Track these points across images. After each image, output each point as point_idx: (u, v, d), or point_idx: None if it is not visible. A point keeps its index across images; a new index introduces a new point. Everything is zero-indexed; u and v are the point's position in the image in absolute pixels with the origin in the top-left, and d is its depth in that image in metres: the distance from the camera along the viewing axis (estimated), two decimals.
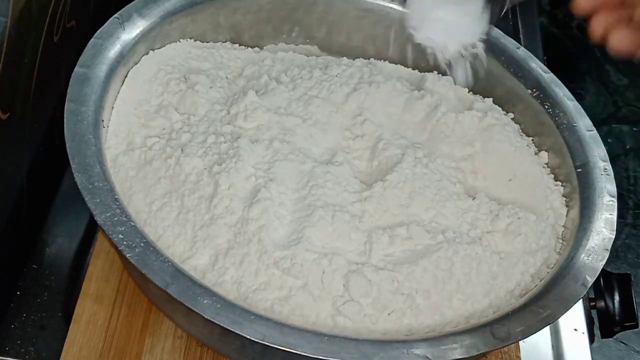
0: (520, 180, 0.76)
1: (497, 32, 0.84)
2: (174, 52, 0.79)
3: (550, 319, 0.62)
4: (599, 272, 0.66)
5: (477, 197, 0.74)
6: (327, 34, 0.88)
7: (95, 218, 0.60)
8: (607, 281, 0.86)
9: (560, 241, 0.72)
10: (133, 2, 0.76)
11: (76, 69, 0.69)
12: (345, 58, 0.85)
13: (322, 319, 0.63)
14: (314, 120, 0.76)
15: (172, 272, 0.59)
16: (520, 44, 0.84)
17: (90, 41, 0.71)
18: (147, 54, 0.77)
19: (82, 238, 0.78)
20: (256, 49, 0.86)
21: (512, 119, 0.82)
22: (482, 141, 0.78)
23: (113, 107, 0.73)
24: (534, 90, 0.80)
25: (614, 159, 0.76)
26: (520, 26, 1.12)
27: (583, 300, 0.81)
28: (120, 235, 0.60)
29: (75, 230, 0.78)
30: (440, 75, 0.84)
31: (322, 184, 0.71)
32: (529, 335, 0.61)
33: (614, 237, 0.69)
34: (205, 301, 0.58)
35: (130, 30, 0.74)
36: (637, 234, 1.05)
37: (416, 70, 0.87)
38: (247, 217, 0.66)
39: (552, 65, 0.87)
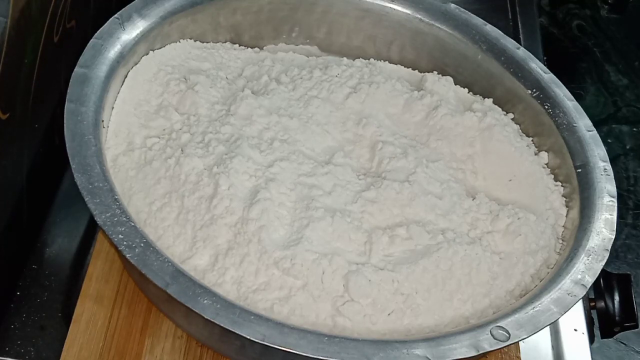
0: (520, 181, 0.76)
1: (497, 32, 0.84)
2: (174, 53, 0.79)
3: (550, 319, 0.62)
4: (598, 272, 0.66)
5: (477, 197, 0.74)
6: (327, 34, 0.88)
7: (95, 218, 0.60)
8: (607, 281, 0.86)
9: (560, 241, 0.72)
10: (133, 2, 0.76)
11: (76, 69, 0.69)
12: (345, 58, 0.85)
13: (322, 319, 0.63)
14: (314, 121, 0.76)
15: (172, 273, 0.59)
16: (520, 44, 0.84)
17: (90, 41, 0.71)
18: (147, 54, 0.77)
19: (82, 238, 0.78)
20: (256, 49, 0.86)
21: (512, 119, 0.82)
22: (482, 141, 0.78)
23: (113, 108, 0.73)
24: (534, 90, 0.80)
25: (613, 159, 0.76)
26: (520, 26, 1.12)
27: (583, 301, 0.81)
28: (120, 236, 0.60)
29: (75, 230, 0.78)
30: (440, 75, 0.84)
31: (322, 184, 0.71)
32: (529, 336, 0.61)
33: (613, 237, 0.69)
34: (205, 301, 0.58)
35: (130, 30, 0.74)
36: (637, 234, 1.05)
37: (416, 71, 0.87)
38: (247, 217, 0.66)
39: (552, 65, 0.87)
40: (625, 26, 1.29)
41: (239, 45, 0.85)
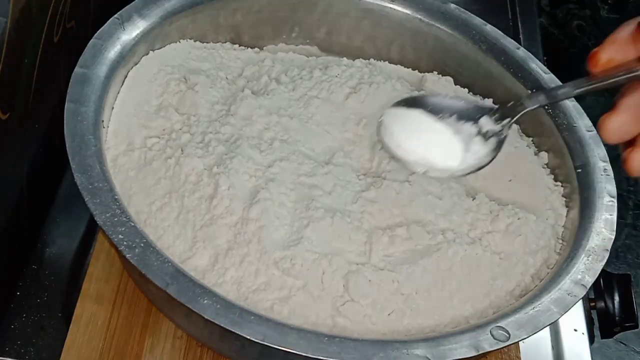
0: (520, 181, 0.76)
1: (497, 32, 0.84)
2: (174, 53, 0.79)
3: (550, 320, 0.62)
4: (598, 272, 0.66)
5: (477, 197, 0.74)
6: (327, 34, 0.88)
7: (95, 218, 0.60)
8: (607, 282, 0.86)
9: (560, 242, 0.72)
10: (133, 2, 0.76)
11: (76, 69, 0.69)
12: (345, 59, 0.85)
13: (322, 319, 0.63)
14: (314, 121, 0.76)
15: (172, 273, 0.59)
16: (520, 44, 0.84)
17: (90, 41, 0.71)
18: (147, 54, 0.77)
19: (82, 238, 0.78)
20: (256, 49, 0.86)
21: None
22: None
23: (113, 108, 0.73)
24: (534, 90, 0.80)
25: (614, 159, 0.76)
26: (520, 26, 1.12)
27: (583, 301, 0.81)
28: (120, 236, 0.60)
29: (75, 230, 0.78)
30: (440, 75, 0.84)
31: (322, 185, 0.71)
32: (529, 336, 0.61)
33: (613, 237, 0.69)
34: (205, 301, 0.58)
35: (130, 30, 0.74)
36: (637, 234, 1.05)
37: (416, 71, 0.87)
38: (247, 217, 0.66)
39: (552, 65, 0.87)
40: None
41: (239, 46, 0.85)
